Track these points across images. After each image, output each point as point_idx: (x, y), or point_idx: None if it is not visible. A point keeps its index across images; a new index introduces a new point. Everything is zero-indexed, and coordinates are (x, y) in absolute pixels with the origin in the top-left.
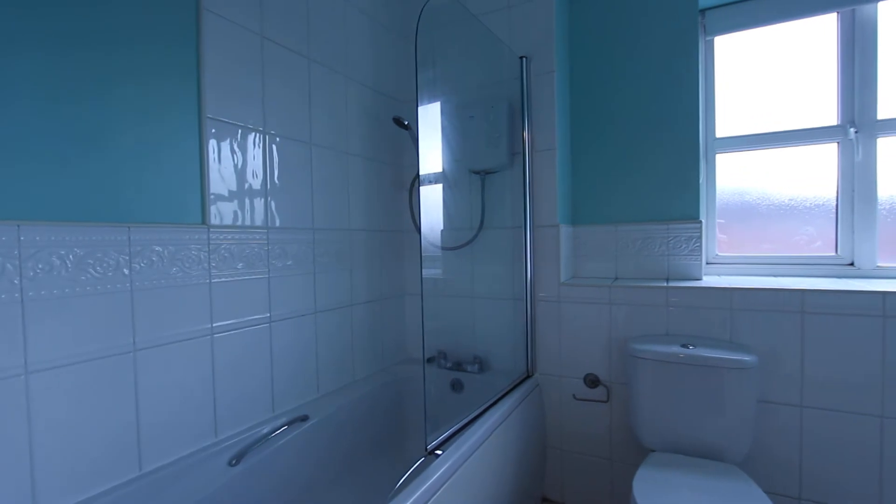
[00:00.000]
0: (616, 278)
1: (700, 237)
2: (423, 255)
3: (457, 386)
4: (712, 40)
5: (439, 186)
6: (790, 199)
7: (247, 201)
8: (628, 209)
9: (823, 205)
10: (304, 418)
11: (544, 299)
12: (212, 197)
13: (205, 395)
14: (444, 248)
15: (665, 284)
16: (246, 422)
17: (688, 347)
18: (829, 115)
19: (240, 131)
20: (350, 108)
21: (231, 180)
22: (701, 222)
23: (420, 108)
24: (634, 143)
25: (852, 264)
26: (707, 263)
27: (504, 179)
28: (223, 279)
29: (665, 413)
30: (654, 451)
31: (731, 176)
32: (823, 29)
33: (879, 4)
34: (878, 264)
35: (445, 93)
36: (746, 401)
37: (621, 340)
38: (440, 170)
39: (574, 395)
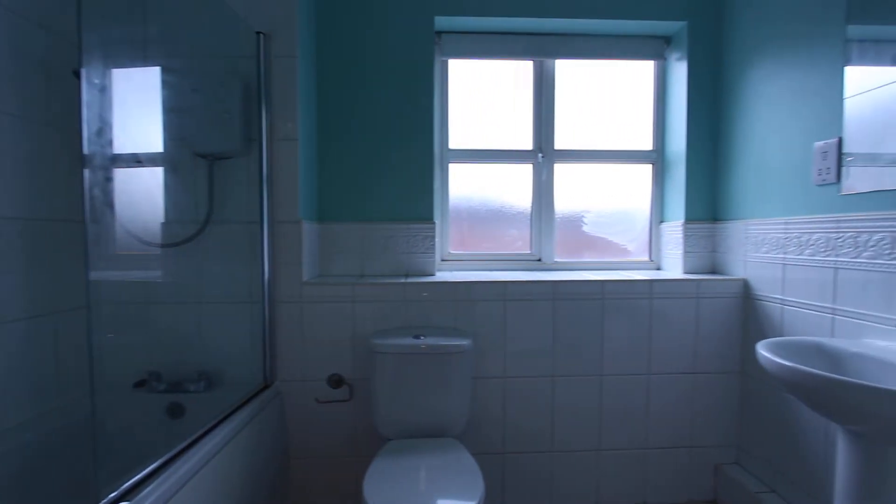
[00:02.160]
0: (363, 276)
1: (434, 237)
2: (122, 253)
3: (176, 411)
4: (447, 61)
5: (159, 170)
6: (501, 206)
7: None
8: (375, 208)
9: (523, 212)
10: None
11: (285, 300)
12: None
13: None
14: (163, 246)
15: (404, 280)
16: None
17: (419, 338)
18: (527, 140)
19: None
20: None
21: None
22: (435, 223)
23: (124, 71)
24: (382, 145)
25: (540, 260)
26: (442, 260)
27: (238, 168)
28: None
29: (401, 401)
30: (391, 439)
31: (462, 183)
32: (527, 70)
33: (556, 61)
34: (556, 259)
35: (161, 57)
36: (465, 380)
37: (364, 337)
38: (160, 150)
39: (317, 399)
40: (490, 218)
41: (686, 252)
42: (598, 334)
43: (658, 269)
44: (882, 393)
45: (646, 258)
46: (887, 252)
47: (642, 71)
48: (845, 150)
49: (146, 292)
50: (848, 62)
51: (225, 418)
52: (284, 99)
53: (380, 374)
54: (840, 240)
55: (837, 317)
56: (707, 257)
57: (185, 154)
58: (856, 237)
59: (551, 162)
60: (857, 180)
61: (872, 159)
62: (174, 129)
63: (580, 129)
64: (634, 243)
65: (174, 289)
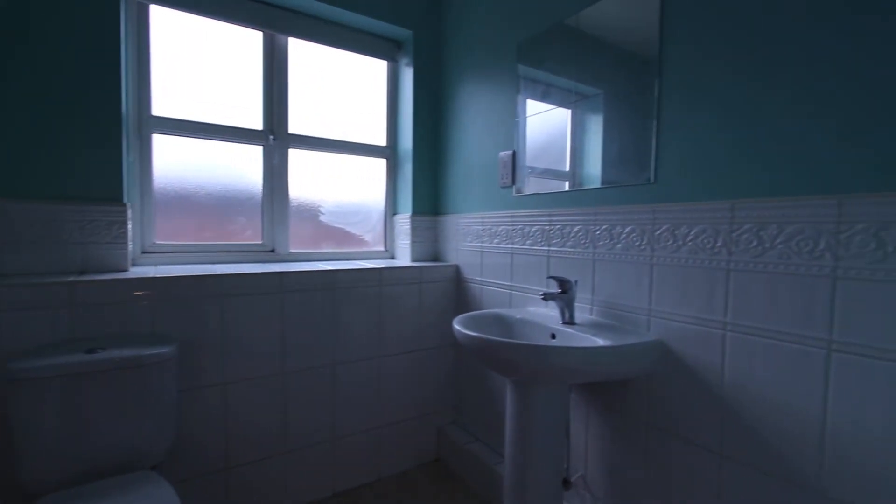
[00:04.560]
0: (3, 275)
1: (126, 223)
2: None
3: None
4: (147, 6)
5: None
6: (225, 190)
7: None
8: (20, 180)
9: (253, 198)
10: None
11: None
12: None
13: None
14: None
15: (74, 279)
16: None
17: (95, 352)
18: (257, 119)
19: None
20: None
21: None
22: (127, 205)
23: None
24: (36, 95)
25: (273, 251)
26: (143, 252)
27: None
28: None
29: (66, 438)
30: (48, 492)
31: (173, 160)
32: (257, 42)
33: (289, 39)
34: (291, 250)
35: None
36: (165, 395)
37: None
38: None
39: None
40: (212, 204)
41: (413, 242)
42: (331, 325)
43: (392, 258)
44: (522, 347)
45: (382, 248)
46: (540, 240)
47: (379, 68)
48: (519, 161)
49: None
50: (518, 93)
51: None
52: None
53: (27, 410)
54: (514, 230)
55: (514, 292)
56: (431, 246)
57: None
58: (523, 228)
59: (285, 146)
60: (525, 185)
61: (534, 170)
62: None
63: (318, 117)
64: (371, 234)
65: None
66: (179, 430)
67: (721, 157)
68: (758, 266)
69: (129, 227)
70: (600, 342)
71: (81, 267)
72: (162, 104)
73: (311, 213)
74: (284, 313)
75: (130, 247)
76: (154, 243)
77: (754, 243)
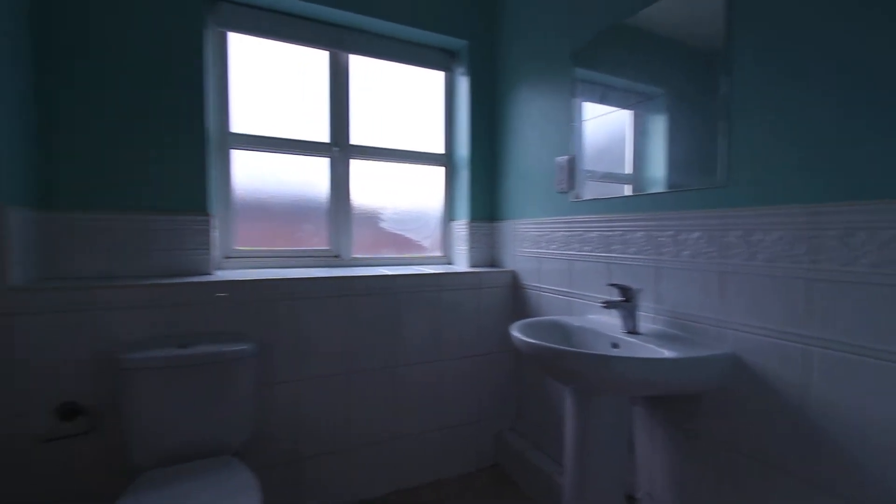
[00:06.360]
0: (110, 277)
1: (209, 231)
2: None
3: None
4: (225, 33)
5: None
6: (295, 199)
7: None
8: (127, 195)
9: (320, 206)
10: None
11: None
12: None
13: None
14: None
15: (167, 282)
16: None
17: (186, 347)
18: (324, 132)
19: None
20: None
21: None
22: (210, 215)
23: None
24: (139, 120)
25: (338, 256)
26: (225, 258)
27: None
28: None
29: (162, 424)
30: (149, 469)
31: (249, 173)
32: (323, 60)
33: (352, 57)
34: (354, 255)
35: None
36: (245, 389)
37: (111, 351)
38: None
39: (37, 439)
40: (284, 212)
41: (471, 248)
42: (392, 328)
43: (450, 263)
44: (583, 356)
45: (440, 254)
46: (600, 247)
47: (436, 79)
48: (576, 166)
49: None
50: (574, 97)
51: None
52: None
53: (133, 396)
54: (572, 236)
55: (572, 299)
56: (488, 252)
57: None
58: (582, 234)
59: (347, 157)
60: (583, 190)
61: (592, 174)
62: None
63: (378, 128)
64: (429, 240)
65: None
66: (256, 422)
67: (798, 159)
68: (847, 276)
69: (213, 234)
70: (666, 353)
71: (171, 271)
72: (239, 122)
73: (371, 220)
74: (349, 316)
75: (214, 253)
76: (234, 249)
77: (842, 251)
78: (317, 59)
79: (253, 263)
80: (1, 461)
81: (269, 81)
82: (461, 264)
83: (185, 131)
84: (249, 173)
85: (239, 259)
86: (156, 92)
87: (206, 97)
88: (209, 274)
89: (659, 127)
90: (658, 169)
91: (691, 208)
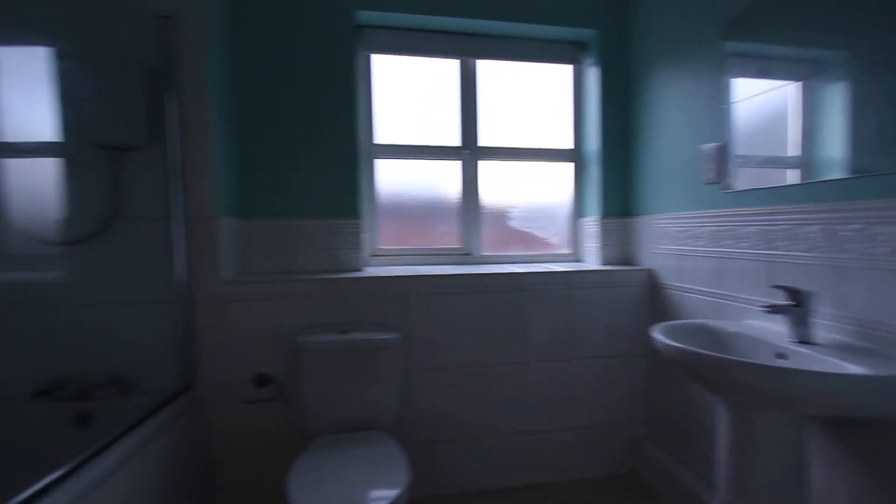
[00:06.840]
0: (287, 273)
1: (359, 232)
2: (14, 252)
3: (85, 420)
4: (370, 56)
5: (50, 160)
6: (430, 202)
7: None
8: (299, 203)
9: (452, 206)
10: None
11: (206, 300)
12: None
13: None
14: (64, 244)
15: (330, 276)
16: None
17: (346, 333)
18: (454, 137)
19: None
20: None
21: None
22: (362, 218)
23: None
24: (304, 137)
25: (469, 254)
26: (371, 256)
27: (146, 160)
28: None
29: (328, 397)
30: (317, 435)
31: (390, 178)
32: (453, 68)
33: (478, 62)
34: (483, 253)
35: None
36: (393, 373)
37: (290, 334)
38: (51, 139)
39: (243, 400)
40: (420, 213)
41: (602, 245)
42: (523, 324)
43: (578, 260)
44: (749, 367)
45: (568, 251)
46: (759, 243)
47: (562, 74)
48: (728, 152)
49: (46, 294)
50: (724, 74)
51: (137, 424)
52: (195, 87)
53: (306, 371)
54: (722, 231)
55: (723, 301)
56: (620, 249)
57: (84, 145)
58: (735, 229)
59: (476, 158)
60: (736, 179)
61: (747, 161)
62: (70, 117)
63: (505, 128)
64: (557, 237)
65: (79, 290)
66: (401, 403)
67: None
68: None
69: (363, 235)
70: (854, 369)
71: (332, 268)
72: (382, 133)
73: (500, 218)
74: (479, 311)
75: (364, 252)
76: (378, 248)
77: None
78: (447, 68)
79: (393, 261)
80: (220, 417)
81: (404, 93)
82: (591, 262)
83: (341, 147)
84: (389, 178)
85: (382, 257)
86: (320, 117)
87: (357, 116)
88: (360, 270)
89: (837, 100)
90: (835, 150)
91: (889, 197)
